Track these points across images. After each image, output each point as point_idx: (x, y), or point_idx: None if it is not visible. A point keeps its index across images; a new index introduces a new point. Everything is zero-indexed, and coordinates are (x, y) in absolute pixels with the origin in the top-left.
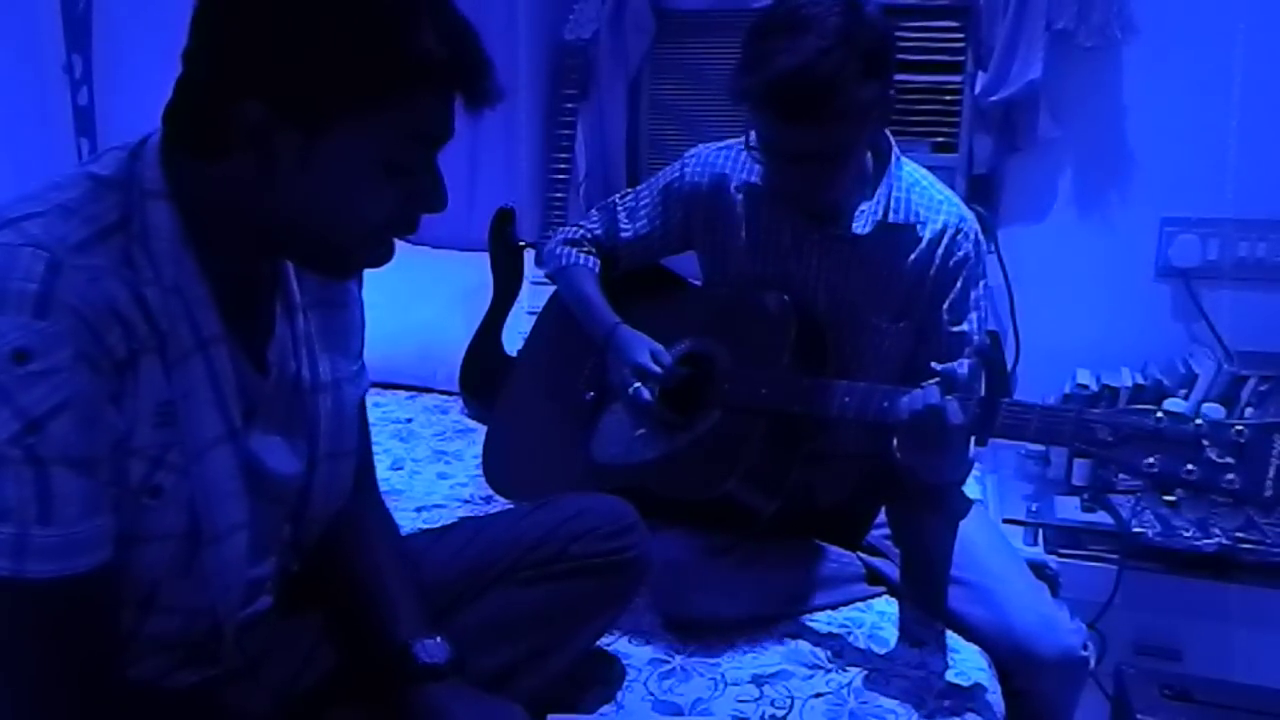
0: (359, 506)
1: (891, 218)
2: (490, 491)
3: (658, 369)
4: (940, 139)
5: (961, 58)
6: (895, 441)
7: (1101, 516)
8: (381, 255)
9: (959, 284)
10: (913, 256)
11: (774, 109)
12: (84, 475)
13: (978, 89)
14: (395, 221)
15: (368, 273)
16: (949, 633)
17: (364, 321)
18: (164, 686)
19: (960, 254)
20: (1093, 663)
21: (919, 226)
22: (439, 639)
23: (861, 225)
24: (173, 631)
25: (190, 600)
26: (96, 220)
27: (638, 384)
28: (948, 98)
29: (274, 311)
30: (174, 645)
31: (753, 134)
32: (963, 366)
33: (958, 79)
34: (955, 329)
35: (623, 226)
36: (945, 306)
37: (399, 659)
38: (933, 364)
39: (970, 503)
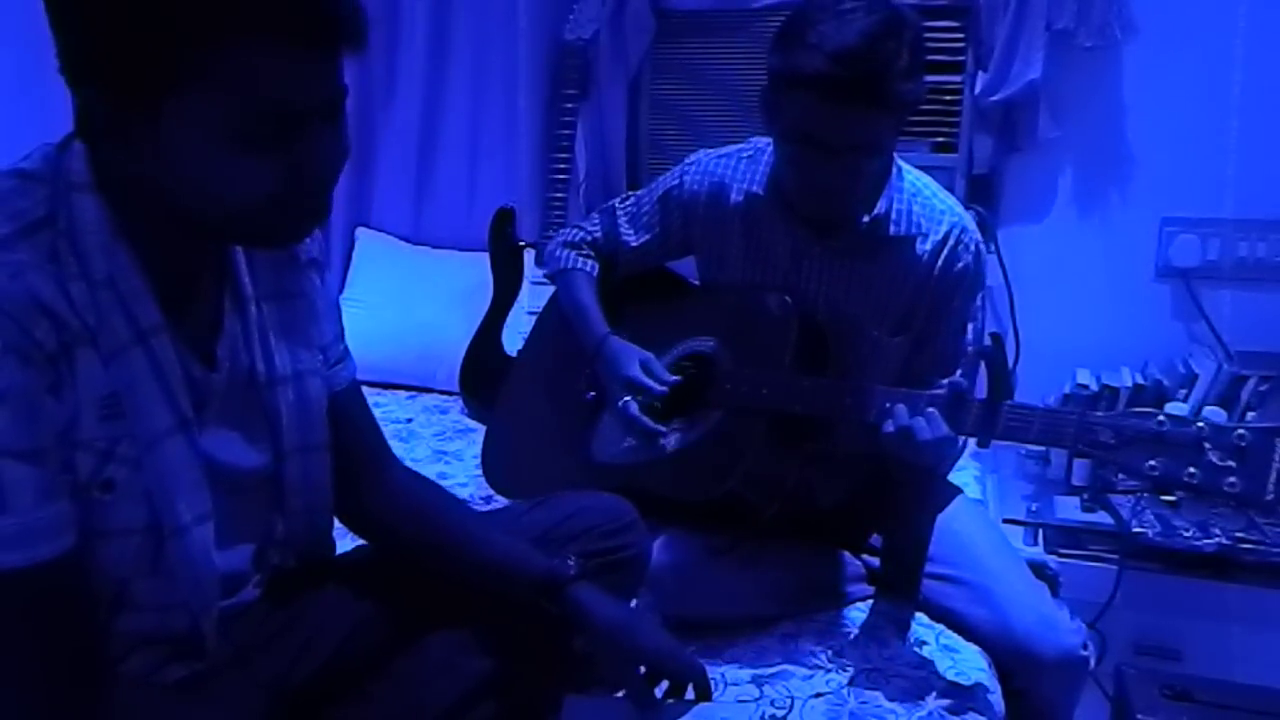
0: (408, 487)
1: (893, 230)
2: (490, 491)
3: (650, 381)
4: (940, 139)
5: (961, 58)
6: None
7: (1101, 516)
8: (306, 216)
9: (958, 295)
10: (913, 269)
11: (829, 91)
12: (32, 464)
13: (978, 89)
14: (289, 191)
15: (367, 272)
16: (949, 633)
17: (336, 309)
18: (151, 680)
19: (960, 265)
20: (1093, 663)
21: (920, 239)
22: (571, 558)
23: (863, 238)
24: (150, 629)
25: (162, 597)
26: (20, 216)
27: (627, 398)
28: (948, 98)
29: (222, 305)
30: (156, 641)
31: (776, 129)
32: (960, 375)
33: (958, 79)
34: (954, 339)
35: (623, 232)
36: (944, 317)
37: (551, 579)
38: (930, 376)
39: (956, 491)
